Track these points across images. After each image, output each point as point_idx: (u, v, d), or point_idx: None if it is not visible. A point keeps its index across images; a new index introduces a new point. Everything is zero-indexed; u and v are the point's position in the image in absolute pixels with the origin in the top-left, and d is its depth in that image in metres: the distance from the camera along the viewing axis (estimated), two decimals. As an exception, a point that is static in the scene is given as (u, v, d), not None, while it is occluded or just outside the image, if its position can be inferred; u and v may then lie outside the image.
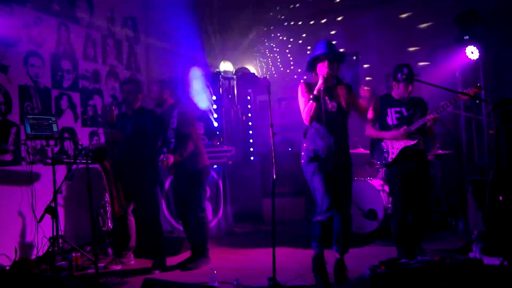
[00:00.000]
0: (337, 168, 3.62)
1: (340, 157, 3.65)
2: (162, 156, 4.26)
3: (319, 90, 3.55)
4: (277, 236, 3.56)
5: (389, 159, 4.18)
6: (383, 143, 4.24)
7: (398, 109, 4.20)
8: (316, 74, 3.70)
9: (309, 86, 3.72)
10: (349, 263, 3.81)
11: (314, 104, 3.57)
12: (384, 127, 4.24)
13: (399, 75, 4.15)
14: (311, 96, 3.58)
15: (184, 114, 4.44)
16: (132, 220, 4.75)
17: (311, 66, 3.77)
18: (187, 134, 4.39)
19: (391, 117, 4.20)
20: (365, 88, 3.67)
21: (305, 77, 5.89)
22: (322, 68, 3.62)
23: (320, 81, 3.56)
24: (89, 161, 3.75)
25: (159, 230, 4.61)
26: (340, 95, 3.72)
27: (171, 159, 4.24)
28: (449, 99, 4.07)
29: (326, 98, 3.62)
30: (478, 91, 3.97)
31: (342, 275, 3.75)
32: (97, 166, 4.96)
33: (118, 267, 4.60)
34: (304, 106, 3.67)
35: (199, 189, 4.50)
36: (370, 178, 5.57)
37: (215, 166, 5.97)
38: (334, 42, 3.85)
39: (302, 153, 3.77)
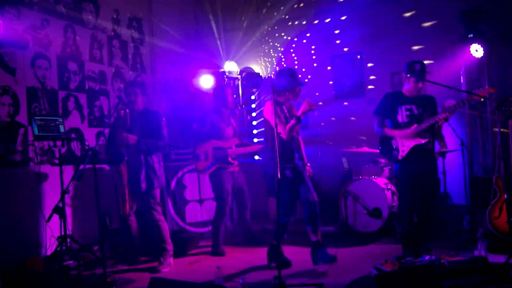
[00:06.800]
0: (297, 168, 4.32)
1: (297, 159, 4.38)
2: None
3: (303, 113, 4.06)
4: (282, 235, 3.59)
5: (399, 157, 4.19)
6: (393, 141, 4.24)
7: (408, 106, 4.20)
8: (294, 95, 4.24)
9: (278, 104, 4.19)
10: (354, 261, 3.83)
11: (296, 124, 4.10)
12: (394, 124, 4.24)
13: (410, 72, 4.15)
14: (295, 118, 4.07)
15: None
16: (133, 220, 4.78)
17: (293, 90, 4.22)
18: None
19: (402, 115, 4.19)
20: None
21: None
22: (299, 94, 4.24)
23: (306, 106, 4.03)
24: (100, 163, 3.77)
25: (164, 230, 4.64)
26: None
27: None
28: (462, 99, 4.03)
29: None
30: (492, 92, 3.92)
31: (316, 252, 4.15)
32: (105, 166, 4.99)
33: (125, 266, 4.64)
34: (280, 123, 4.02)
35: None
36: (374, 176, 5.59)
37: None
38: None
39: (270, 163, 4.15)
